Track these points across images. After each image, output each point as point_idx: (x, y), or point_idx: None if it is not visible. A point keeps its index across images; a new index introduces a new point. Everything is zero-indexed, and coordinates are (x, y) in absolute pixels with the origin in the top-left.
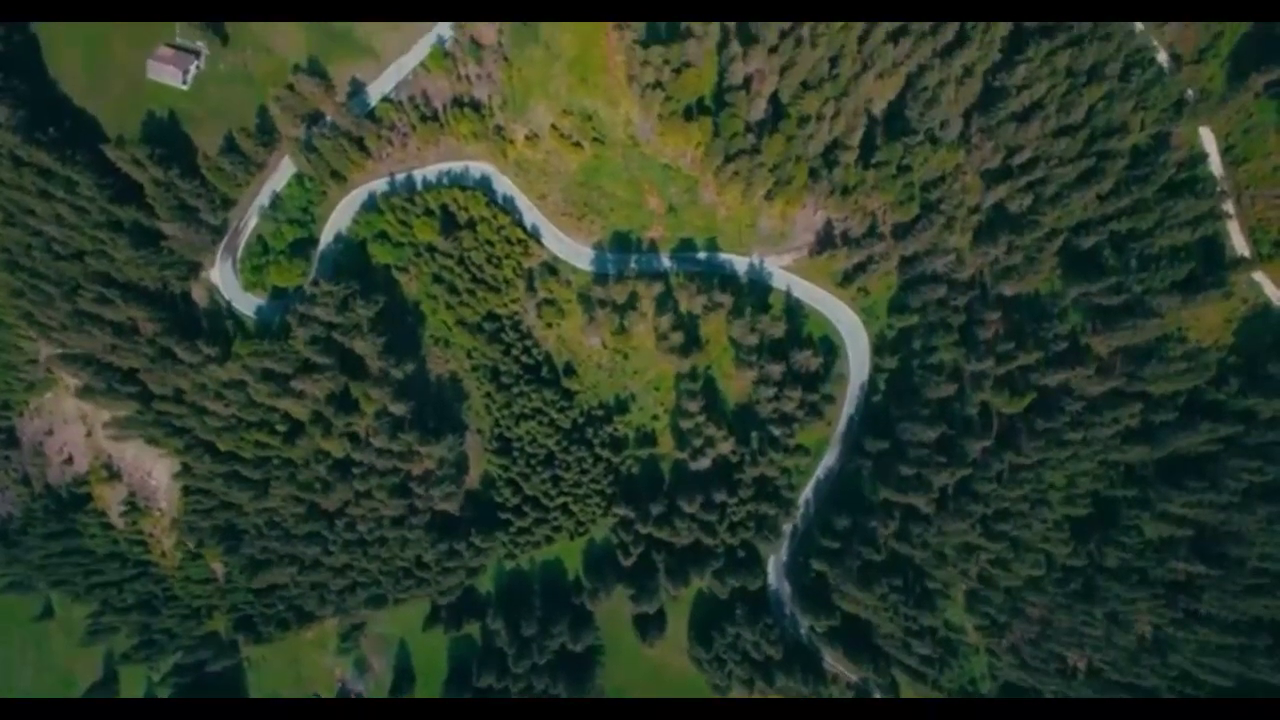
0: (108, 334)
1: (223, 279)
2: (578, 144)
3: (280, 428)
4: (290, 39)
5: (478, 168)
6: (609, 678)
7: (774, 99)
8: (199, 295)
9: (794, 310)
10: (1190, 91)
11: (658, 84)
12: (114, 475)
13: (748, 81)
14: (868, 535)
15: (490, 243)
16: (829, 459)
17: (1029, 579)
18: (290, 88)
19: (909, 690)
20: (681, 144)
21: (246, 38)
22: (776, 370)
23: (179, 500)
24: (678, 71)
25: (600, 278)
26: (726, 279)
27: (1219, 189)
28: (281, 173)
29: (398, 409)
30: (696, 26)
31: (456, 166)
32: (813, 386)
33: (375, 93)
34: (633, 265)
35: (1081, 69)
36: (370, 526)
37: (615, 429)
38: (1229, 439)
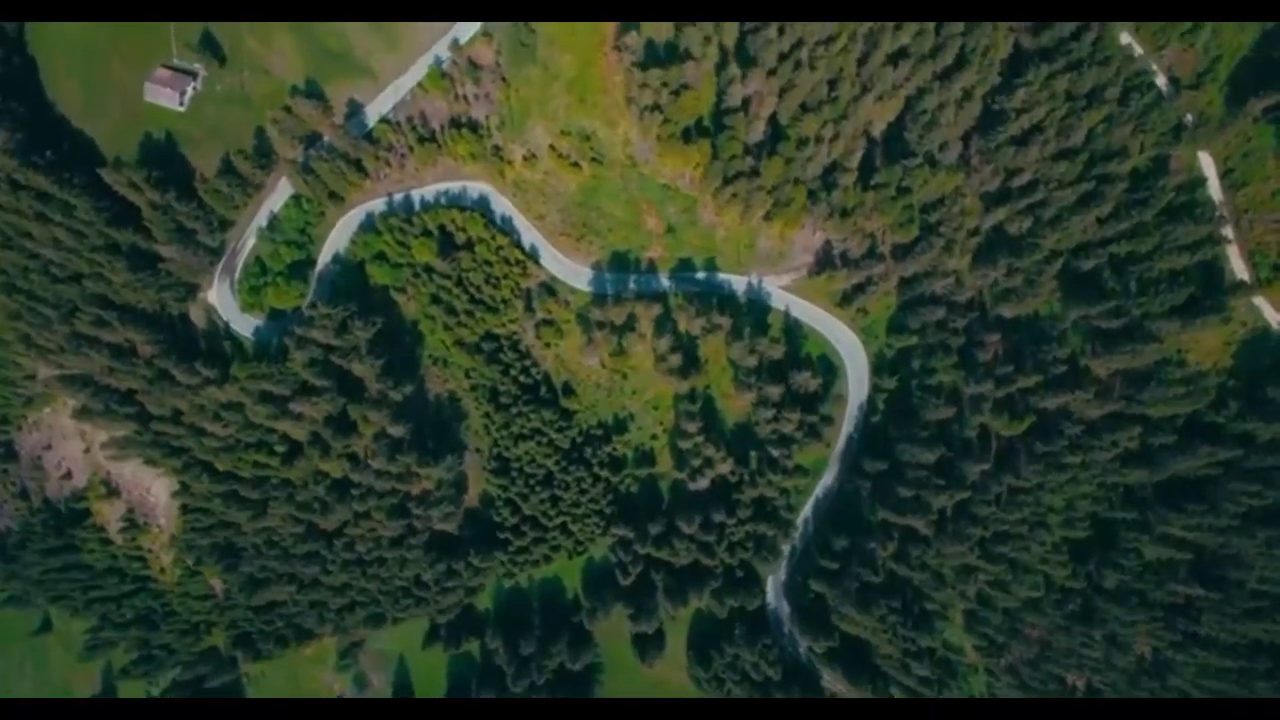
0: (105, 356)
1: (220, 300)
2: (576, 164)
3: (279, 448)
4: (287, 60)
5: (476, 188)
6: (607, 696)
7: (773, 121)
8: (197, 316)
9: (793, 330)
10: (1189, 116)
11: (656, 106)
12: (113, 492)
13: (746, 104)
14: (866, 557)
15: (488, 263)
16: (828, 478)
17: (1028, 600)
18: (288, 109)
19: None
20: (680, 165)
21: (244, 59)
22: (775, 392)
23: (177, 518)
24: (676, 94)
25: (599, 298)
26: (725, 299)
27: (1218, 213)
28: (279, 194)
29: (396, 431)
30: (695, 49)
31: (454, 187)
32: (811, 408)
33: (373, 114)
34: (631, 285)
35: (1080, 93)
36: (369, 546)
37: (614, 449)
38: (1228, 462)
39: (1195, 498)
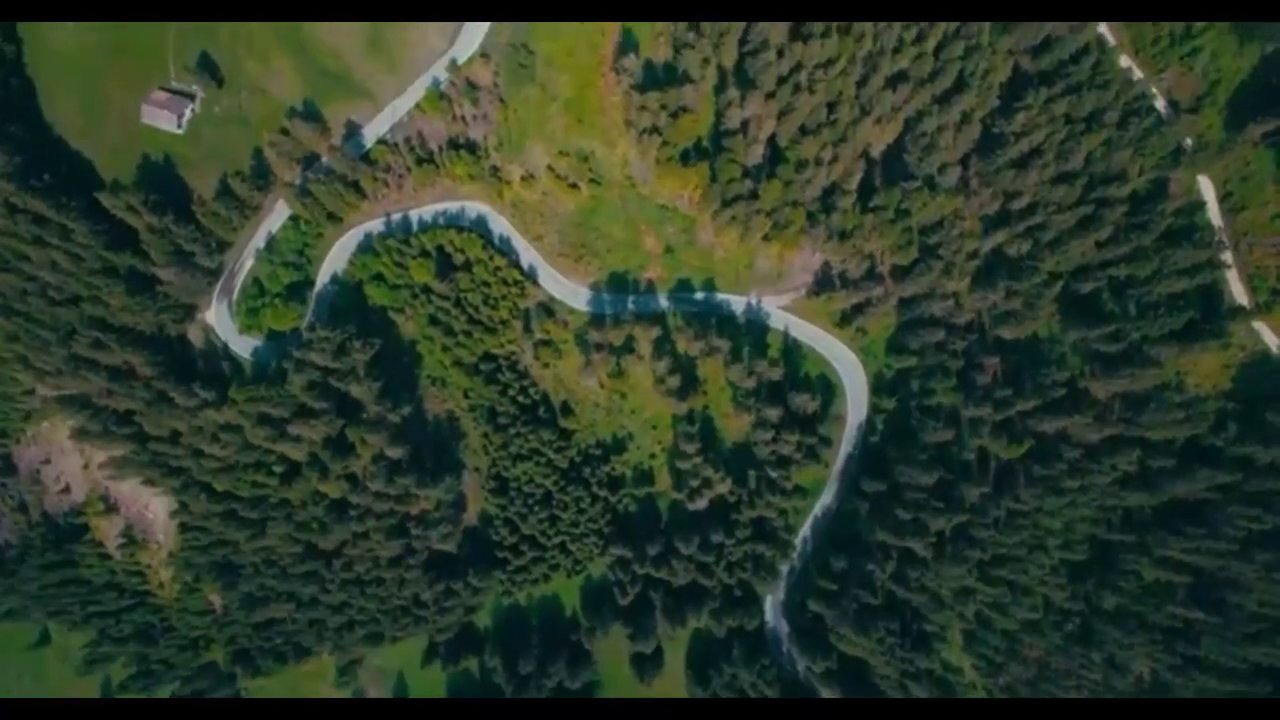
0: (103, 378)
1: (219, 321)
2: (574, 185)
3: (277, 469)
4: (285, 81)
5: (474, 209)
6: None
7: (771, 143)
8: (195, 337)
9: (791, 350)
10: (1188, 140)
11: (655, 129)
12: (111, 508)
13: (745, 126)
14: (865, 578)
15: (487, 284)
16: (827, 498)
17: (1026, 622)
18: (285, 131)
19: None
20: (679, 187)
21: (241, 81)
22: (774, 414)
23: (176, 535)
24: (675, 116)
25: (597, 318)
26: (724, 319)
27: (1217, 237)
28: (277, 215)
29: (395, 453)
30: (694, 71)
31: (452, 207)
32: (810, 428)
33: (371, 135)
34: (630, 305)
35: (1080, 116)
36: (368, 566)
37: (612, 468)
38: (1227, 486)
39: (1194, 521)
